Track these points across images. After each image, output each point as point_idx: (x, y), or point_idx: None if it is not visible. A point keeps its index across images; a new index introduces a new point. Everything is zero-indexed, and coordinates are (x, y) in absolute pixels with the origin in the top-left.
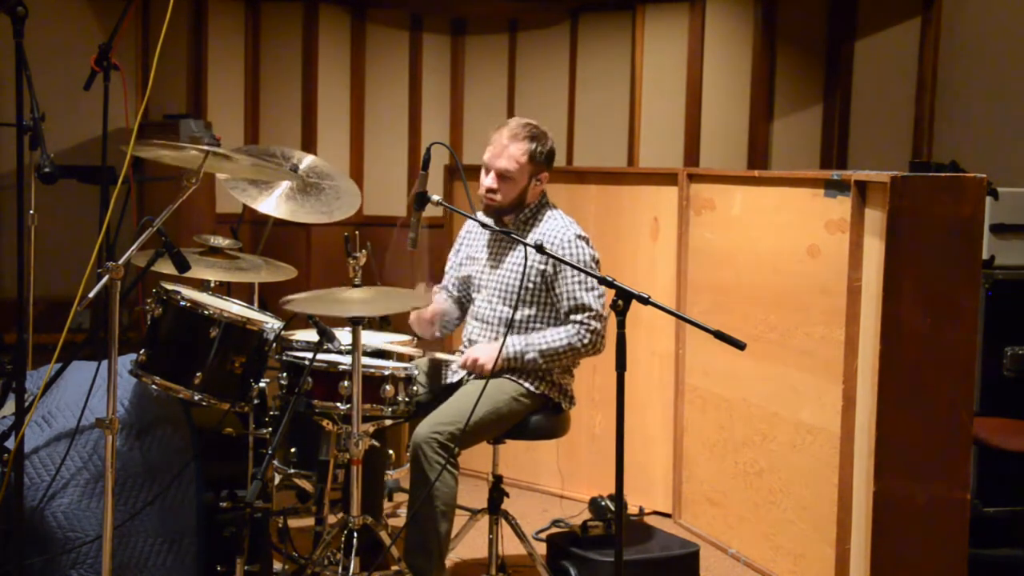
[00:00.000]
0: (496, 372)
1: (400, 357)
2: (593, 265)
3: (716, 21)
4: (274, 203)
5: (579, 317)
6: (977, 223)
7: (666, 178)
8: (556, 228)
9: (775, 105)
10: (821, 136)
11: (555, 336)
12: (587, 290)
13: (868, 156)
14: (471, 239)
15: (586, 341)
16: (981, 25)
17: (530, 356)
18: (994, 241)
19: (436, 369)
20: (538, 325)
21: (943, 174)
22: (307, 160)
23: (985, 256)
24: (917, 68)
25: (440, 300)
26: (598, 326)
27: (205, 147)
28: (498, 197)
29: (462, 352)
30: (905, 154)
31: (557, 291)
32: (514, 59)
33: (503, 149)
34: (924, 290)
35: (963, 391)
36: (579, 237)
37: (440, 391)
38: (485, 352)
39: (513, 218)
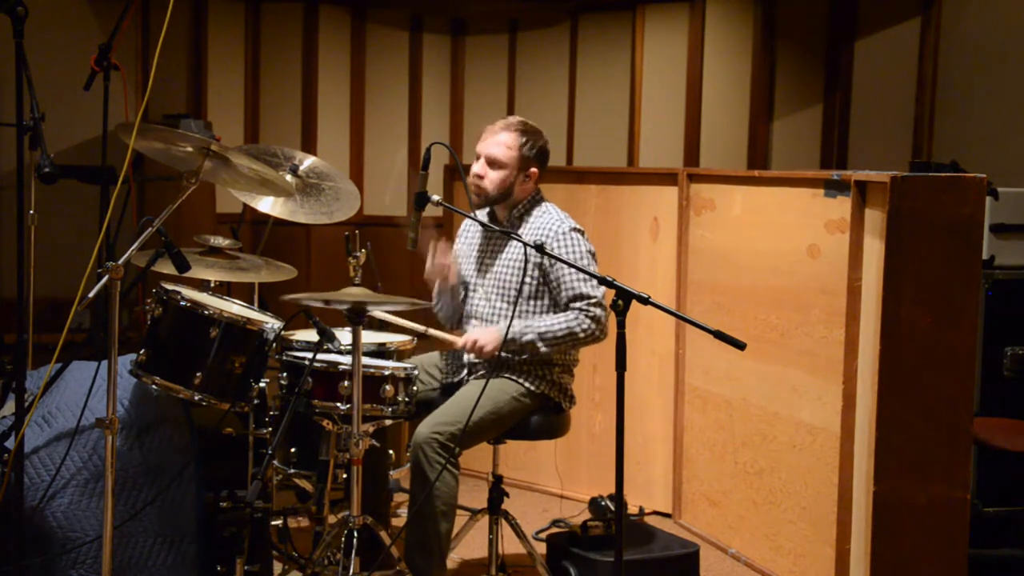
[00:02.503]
0: (498, 359)
1: (400, 355)
2: (589, 258)
3: (716, 21)
4: (274, 203)
5: (579, 304)
6: (977, 223)
7: (666, 178)
8: (551, 222)
9: (775, 105)
10: (821, 136)
11: (555, 320)
12: (584, 280)
13: (868, 156)
14: (467, 238)
15: (585, 326)
16: (981, 25)
17: (529, 338)
18: (994, 241)
19: (439, 367)
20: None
21: (943, 174)
22: (308, 161)
23: (985, 256)
24: (917, 68)
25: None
26: (599, 312)
27: (206, 140)
28: (485, 184)
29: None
30: (905, 154)
31: (555, 283)
32: (514, 59)
33: (495, 136)
34: (924, 290)
35: (963, 391)
36: (574, 230)
37: (443, 390)
38: (485, 334)
39: (507, 214)
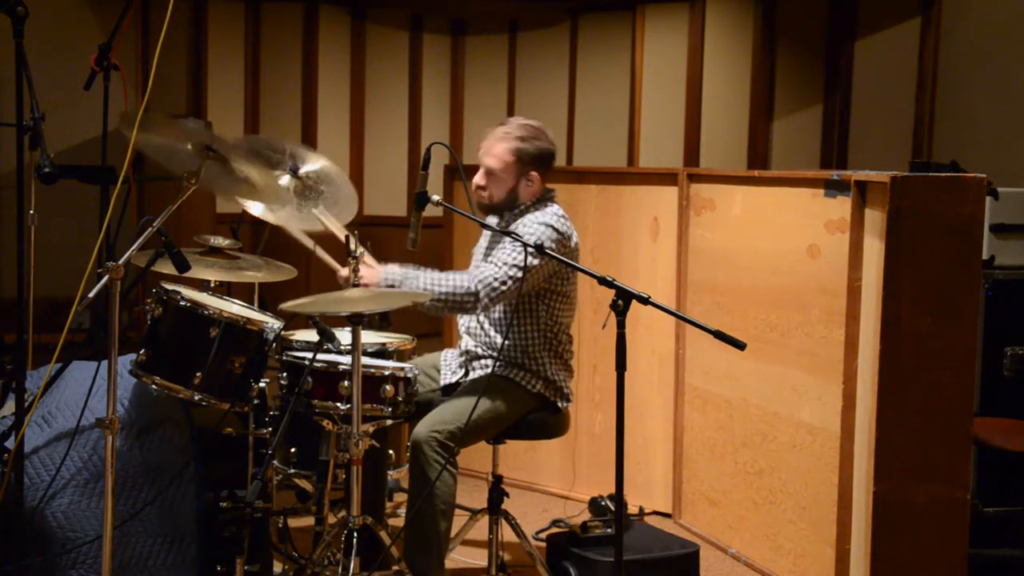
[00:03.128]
0: (497, 360)
1: (400, 356)
2: (547, 240)
3: (716, 21)
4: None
5: (487, 267)
6: (977, 223)
7: (666, 178)
8: (538, 215)
9: (775, 105)
10: (821, 136)
11: (448, 277)
12: (509, 252)
13: (868, 156)
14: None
15: (470, 289)
16: (981, 25)
17: (410, 286)
18: (994, 241)
19: (437, 368)
20: (538, 315)
21: (943, 174)
22: (311, 166)
23: (985, 256)
24: (917, 68)
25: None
26: (491, 280)
27: (207, 134)
28: (485, 194)
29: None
30: (905, 154)
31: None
32: (514, 59)
33: (491, 147)
34: (924, 290)
35: (963, 391)
36: (546, 224)
37: (441, 391)
38: (370, 273)
39: (509, 214)
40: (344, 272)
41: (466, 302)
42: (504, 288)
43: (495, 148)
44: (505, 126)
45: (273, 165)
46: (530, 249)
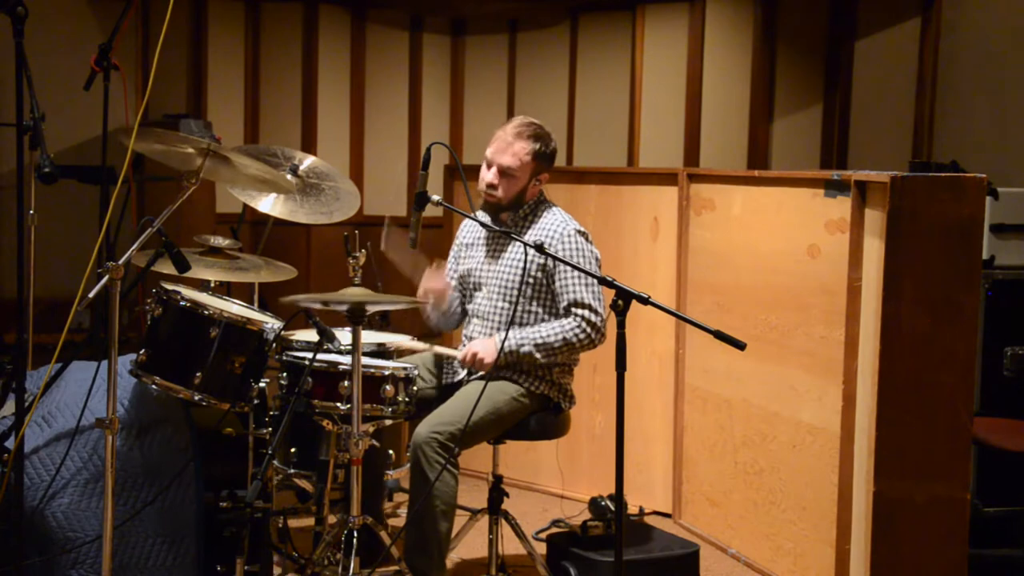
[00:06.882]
0: (496, 367)
1: (401, 353)
2: (594, 262)
3: (716, 21)
4: (274, 203)
5: (578, 312)
6: (977, 223)
7: (666, 178)
8: (556, 223)
9: (775, 105)
10: (821, 136)
11: (551, 330)
12: (585, 285)
13: (868, 156)
14: (471, 236)
15: (582, 336)
16: (981, 25)
17: (526, 349)
18: (994, 241)
19: (439, 366)
20: (541, 320)
21: (943, 174)
22: (307, 161)
23: (985, 256)
24: (917, 68)
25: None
26: (596, 320)
27: (204, 142)
28: (498, 193)
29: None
30: (905, 154)
31: (556, 285)
32: (514, 59)
33: (507, 146)
34: (924, 290)
35: (963, 391)
36: (578, 232)
37: (442, 389)
38: (484, 346)
39: (511, 214)
40: (460, 355)
41: (586, 346)
42: (600, 304)
43: (514, 147)
44: (515, 125)
45: (273, 168)
46: (532, 251)
